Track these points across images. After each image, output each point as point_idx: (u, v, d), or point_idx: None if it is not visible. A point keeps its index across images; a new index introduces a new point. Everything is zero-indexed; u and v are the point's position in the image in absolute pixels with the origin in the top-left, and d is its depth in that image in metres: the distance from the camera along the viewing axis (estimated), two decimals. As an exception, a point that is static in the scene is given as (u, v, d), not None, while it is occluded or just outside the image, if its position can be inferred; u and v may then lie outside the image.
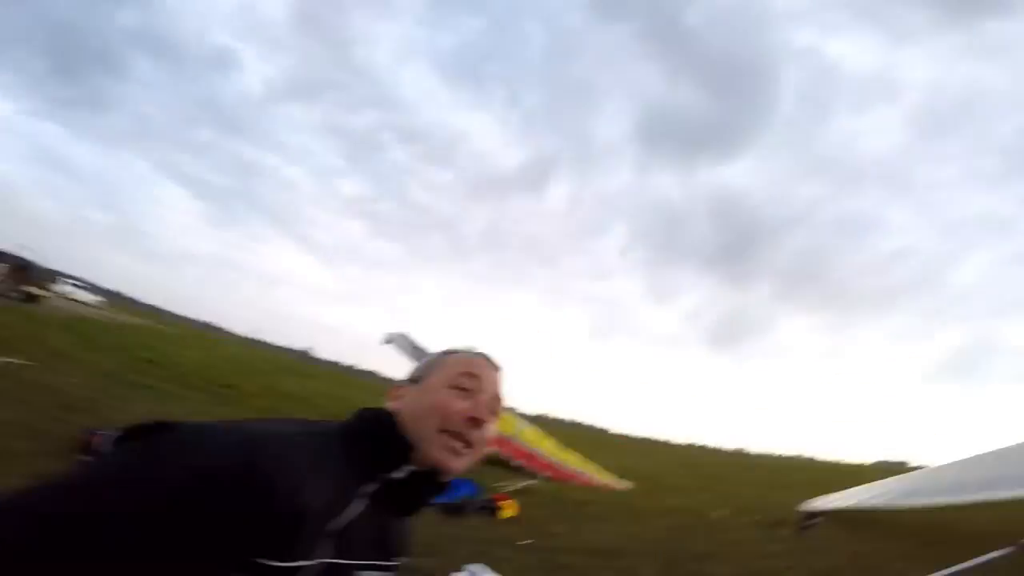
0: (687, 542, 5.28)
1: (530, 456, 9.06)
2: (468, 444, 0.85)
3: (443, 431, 0.83)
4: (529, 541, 4.33)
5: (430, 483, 0.84)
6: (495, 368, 0.96)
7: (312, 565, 0.66)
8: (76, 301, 29.73)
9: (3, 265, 19.16)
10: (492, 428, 0.91)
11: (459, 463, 0.85)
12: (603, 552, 4.44)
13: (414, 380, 0.93)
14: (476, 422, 0.84)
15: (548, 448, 9.64)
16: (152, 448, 0.60)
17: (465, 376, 0.89)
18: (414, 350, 9.99)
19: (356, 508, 0.73)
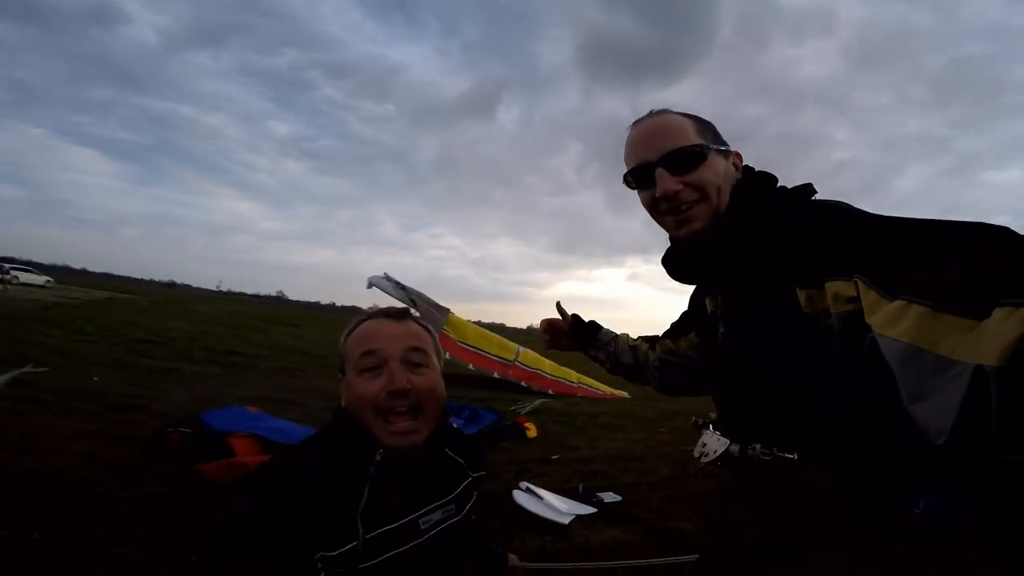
0: (688, 444, 6.13)
1: (533, 376, 9.80)
2: (409, 415, 0.88)
3: (379, 415, 0.87)
4: (556, 456, 4.94)
5: (411, 455, 0.89)
6: (396, 319, 0.95)
7: (357, 544, 0.80)
8: (28, 286, 28.34)
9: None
10: (426, 370, 0.92)
11: (409, 440, 0.88)
12: (623, 458, 5.19)
13: (342, 372, 0.95)
14: (396, 393, 0.86)
15: (548, 367, 10.43)
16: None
17: (365, 357, 0.89)
18: (397, 289, 10.25)
19: (369, 493, 0.85)
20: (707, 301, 0.97)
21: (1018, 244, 0.44)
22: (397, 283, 10.32)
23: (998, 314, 0.38)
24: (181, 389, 6.47)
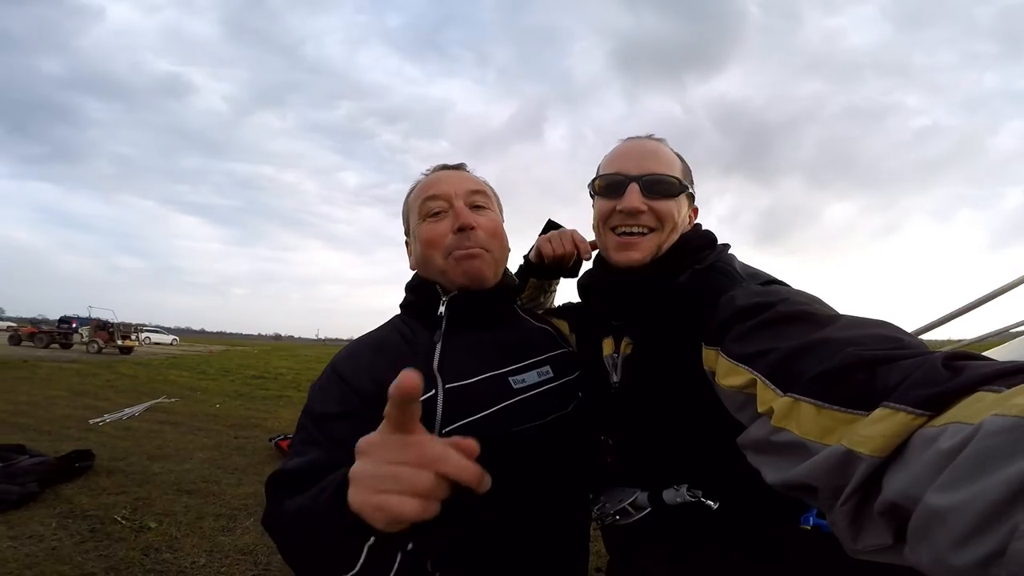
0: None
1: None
2: (474, 246, 0.86)
3: (448, 256, 0.87)
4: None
5: (477, 296, 0.88)
6: (452, 169, 0.95)
7: (433, 395, 0.76)
8: (158, 344, 32.16)
9: (86, 327, 20.80)
10: (490, 212, 0.92)
11: (478, 265, 0.87)
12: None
13: (407, 234, 0.97)
14: (463, 228, 0.86)
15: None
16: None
17: (428, 202, 0.89)
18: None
19: (442, 345, 0.83)
20: (604, 343, 0.93)
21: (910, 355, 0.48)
22: None
23: (879, 412, 0.43)
24: (290, 411, 6.72)
